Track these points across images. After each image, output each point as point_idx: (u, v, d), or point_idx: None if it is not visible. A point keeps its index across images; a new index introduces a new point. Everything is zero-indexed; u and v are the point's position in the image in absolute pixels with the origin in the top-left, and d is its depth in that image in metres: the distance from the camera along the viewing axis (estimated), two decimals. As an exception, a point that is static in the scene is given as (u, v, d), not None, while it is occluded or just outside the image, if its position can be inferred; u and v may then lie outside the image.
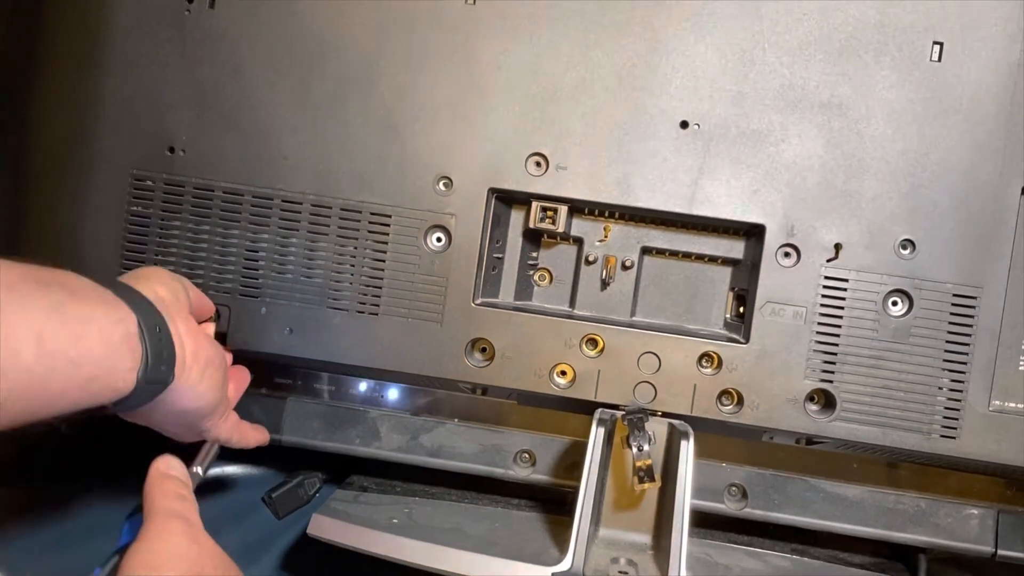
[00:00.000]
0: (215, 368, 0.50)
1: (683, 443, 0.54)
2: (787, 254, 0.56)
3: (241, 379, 0.59)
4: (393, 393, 0.65)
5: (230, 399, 0.56)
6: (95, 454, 0.66)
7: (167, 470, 0.47)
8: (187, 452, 0.53)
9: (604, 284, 0.60)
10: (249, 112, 0.58)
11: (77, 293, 0.41)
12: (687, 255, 0.59)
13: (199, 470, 0.49)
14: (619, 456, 0.57)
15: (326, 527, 0.56)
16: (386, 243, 0.58)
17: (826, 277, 0.55)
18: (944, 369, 0.55)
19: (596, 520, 0.55)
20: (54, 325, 0.39)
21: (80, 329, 0.40)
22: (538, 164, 0.57)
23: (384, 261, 0.58)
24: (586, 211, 0.59)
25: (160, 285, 0.49)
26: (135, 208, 0.59)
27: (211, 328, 0.57)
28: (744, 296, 0.57)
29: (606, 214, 0.59)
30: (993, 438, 0.55)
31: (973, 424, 0.55)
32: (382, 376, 0.63)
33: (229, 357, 0.58)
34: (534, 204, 0.57)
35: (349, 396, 0.65)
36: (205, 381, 0.49)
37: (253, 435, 0.59)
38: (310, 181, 0.58)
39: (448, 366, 0.58)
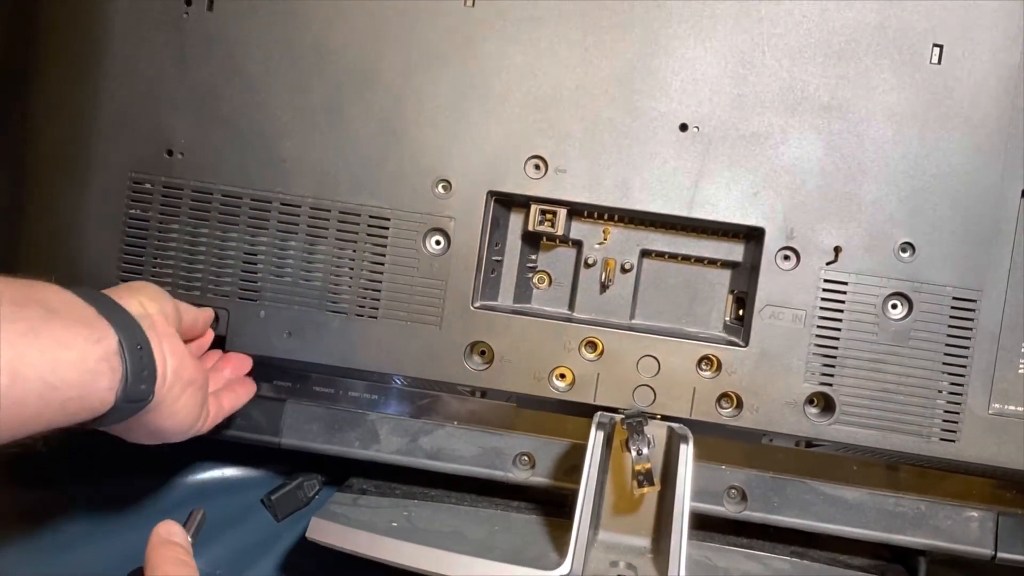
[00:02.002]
0: (195, 389, 0.50)
1: (682, 447, 0.54)
2: (787, 257, 0.55)
3: (242, 393, 0.58)
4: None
5: (219, 413, 0.55)
6: (92, 456, 0.66)
7: (168, 536, 0.47)
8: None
9: (603, 287, 0.59)
10: (248, 115, 0.58)
11: (56, 312, 0.41)
12: (686, 258, 0.59)
13: (188, 538, 0.49)
14: (618, 459, 0.57)
15: (325, 531, 0.56)
16: (385, 246, 0.58)
17: (826, 280, 0.55)
18: (944, 372, 0.55)
19: (595, 524, 0.55)
20: (30, 350, 0.38)
21: (57, 353, 0.39)
22: (537, 167, 0.57)
23: (383, 264, 0.58)
24: (585, 214, 0.59)
25: (148, 300, 0.48)
26: (133, 211, 0.59)
27: (208, 338, 0.57)
28: (743, 299, 0.57)
29: (605, 217, 0.59)
30: (993, 441, 0.55)
31: (973, 427, 0.55)
32: (381, 379, 0.63)
33: (247, 363, 0.58)
34: (533, 207, 0.57)
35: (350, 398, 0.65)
36: (183, 400, 0.49)
37: (240, 398, 0.58)
38: (309, 184, 0.58)
39: (447, 369, 0.58)
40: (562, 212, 0.57)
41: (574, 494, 0.53)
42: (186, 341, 0.57)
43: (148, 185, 0.59)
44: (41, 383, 0.39)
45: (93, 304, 0.43)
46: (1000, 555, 0.59)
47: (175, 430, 0.50)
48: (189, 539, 0.48)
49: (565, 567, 0.51)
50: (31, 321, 0.39)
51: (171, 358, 0.47)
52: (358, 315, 0.58)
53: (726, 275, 0.59)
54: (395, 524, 0.57)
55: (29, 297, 0.40)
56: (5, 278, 0.41)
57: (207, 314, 0.58)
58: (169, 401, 0.48)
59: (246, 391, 0.59)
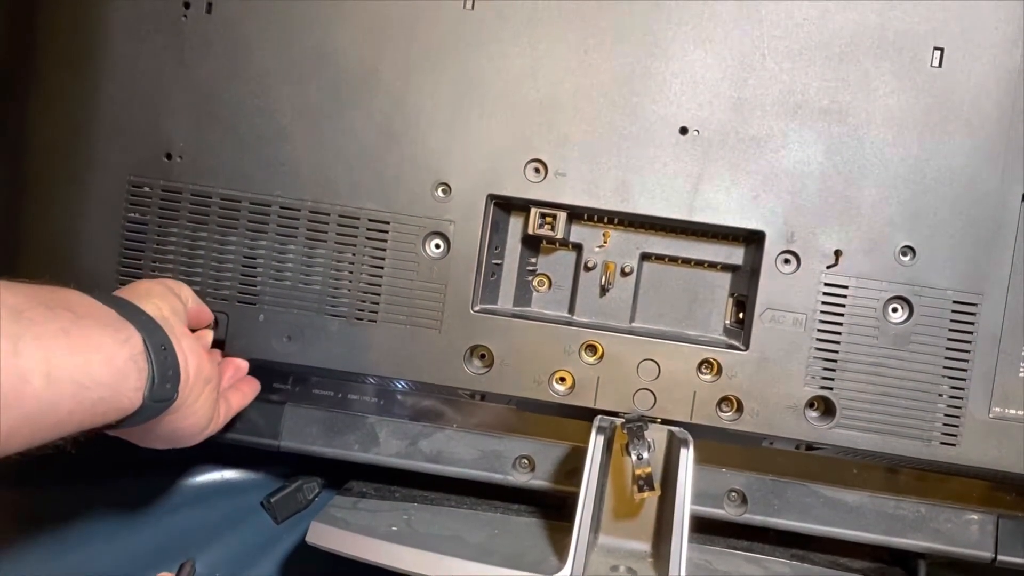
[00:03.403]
0: (212, 388, 0.51)
1: (683, 451, 0.53)
2: (787, 260, 0.55)
3: (248, 391, 0.58)
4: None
5: (228, 412, 0.56)
6: (92, 458, 0.66)
7: None
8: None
9: (603, 290, 0.59)
10: (247, 118, 0.58)
11: (82, 315, 0.42)
12: (687, 261, 0.59)
13: None
14: (618, 463, 0.56)
15: (325, 535, 0.56)
16: (384, 250, 0.58)
17: (826, 284, 0.55)
18: (944, 376, 0.55)
19: (595, 527, 0.55)
20: (62, 352, 0.39)
21: (88, 355, 0.40)
22: (537, 170, 0.56)
23: (382, 268, 0.58)
24: (585, 217, 0.59)
25: (162, 301, 0.49)
26: (132, 215, 0.59)
27: (209, 336, 0.57)
28: (744, 302, 0.57)
29: (605, 220, 0.59)
30: (993, 445, 0.55)
31: (973, 431, 0.55)
32: (381, 383, 0.63)
33: (245, 366, 0.59)
34: (533, 210, 0.57)
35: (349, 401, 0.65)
36: (202, 400, 0.50)
37: (247, 396, 0.59)
38: (308, 187, 0.58)
39: (447, 373, 0.57)
40: (562, 215, 0.57)
41: (574, 498, 0.53)
42: (192, 329, 0.57)
43: (147, 188, 0.59)
44: (73, 384, 0.39)
45: (114, 307, 0.44)
46: (1000, 558, 0.59)
47: (191, 431, 0.51)
48: None
49: (565, 571, 0.51)
50: (61, 323, 0.40)
51: (191, 357, 0.48)
52: (358, 319, 0.58)
53: (726, 278, 0.59)
54: (395, 528, 0.57)
55: (55, 301, 0.41)
56: (29, 284, 0.41)
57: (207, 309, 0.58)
58: (190, 401, 0.49)
59: (251, 389, 0.59)
